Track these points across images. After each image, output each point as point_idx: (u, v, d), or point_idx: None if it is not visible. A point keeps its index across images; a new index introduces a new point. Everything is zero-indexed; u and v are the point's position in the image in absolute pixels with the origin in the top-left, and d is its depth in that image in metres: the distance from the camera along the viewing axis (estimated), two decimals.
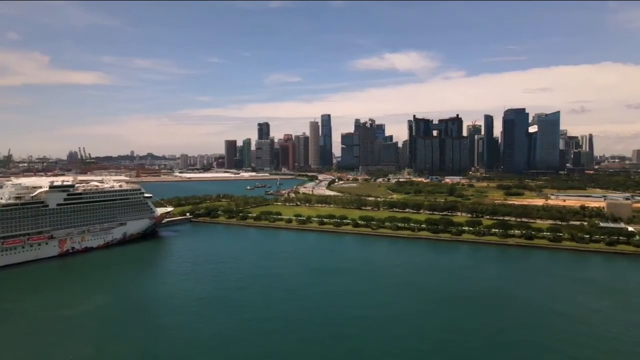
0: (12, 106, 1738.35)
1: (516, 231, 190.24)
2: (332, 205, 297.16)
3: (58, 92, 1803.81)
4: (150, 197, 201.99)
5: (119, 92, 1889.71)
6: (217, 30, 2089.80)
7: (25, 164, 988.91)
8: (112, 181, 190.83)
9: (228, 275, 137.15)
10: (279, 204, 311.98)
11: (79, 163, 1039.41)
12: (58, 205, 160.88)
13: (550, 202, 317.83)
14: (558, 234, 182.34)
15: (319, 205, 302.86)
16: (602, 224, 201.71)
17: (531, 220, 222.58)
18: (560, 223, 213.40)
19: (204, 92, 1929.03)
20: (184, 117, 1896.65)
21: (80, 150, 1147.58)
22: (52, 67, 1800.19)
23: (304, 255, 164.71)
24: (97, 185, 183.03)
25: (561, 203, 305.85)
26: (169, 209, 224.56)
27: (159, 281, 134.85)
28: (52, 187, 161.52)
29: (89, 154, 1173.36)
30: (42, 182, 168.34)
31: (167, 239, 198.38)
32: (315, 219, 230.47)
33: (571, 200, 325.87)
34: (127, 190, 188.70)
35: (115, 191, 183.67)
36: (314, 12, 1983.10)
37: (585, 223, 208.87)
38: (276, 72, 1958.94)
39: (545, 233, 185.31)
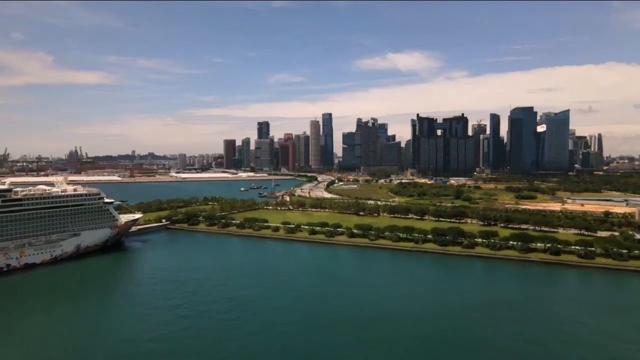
0: (16, 106, 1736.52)
1: (539, 244, 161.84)
2: (327, 210, 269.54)
3: (62, 92, 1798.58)
4: (112, 202, 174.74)
5: (123, 92, 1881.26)
6: (221, 30, 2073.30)
7: (21, 164, 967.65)
8: (64, 184, 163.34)
9: (181, 312, 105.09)
10: (270, 208, 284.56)
11: (76, 163, 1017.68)
12: None
13: (568, 206, 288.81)
14: (589, 248, 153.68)
15: (314, 209, 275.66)
16: (638, 236, 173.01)
17: (552, 230, 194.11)
18: (587, 234, 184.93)
19: (208, 92, 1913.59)
20: (188, 117, 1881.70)
21: (77, 150, 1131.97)
22: (56, 67, 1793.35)
23: (286, 279, 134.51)
24: (44, 190, 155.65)
25: (580, 208, 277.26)
26: (137, 215, 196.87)
27: (88, 321, 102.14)
28: None
29: (86, 154, 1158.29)
30: None
31: (131, 252, 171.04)
32: (305, 227, 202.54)
33: (590, 205, 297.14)
34: (81, 195, 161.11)
35: (67, 196, 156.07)
36: (317, 12, 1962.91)
37: (617, 233, 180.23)
38: (280, 72, 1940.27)
39: (573, 247, 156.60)
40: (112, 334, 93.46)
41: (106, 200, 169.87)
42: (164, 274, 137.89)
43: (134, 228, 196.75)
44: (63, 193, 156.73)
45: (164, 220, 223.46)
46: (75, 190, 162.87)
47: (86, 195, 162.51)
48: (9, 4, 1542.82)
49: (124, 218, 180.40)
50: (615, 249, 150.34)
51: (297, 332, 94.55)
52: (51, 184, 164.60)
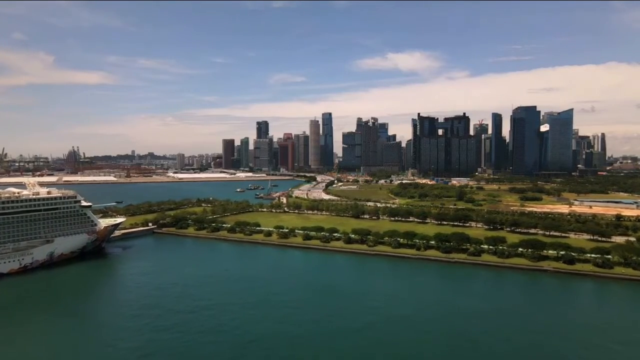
0: (17, 106, 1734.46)
1: (551, 252, 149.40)
2: (324, 213, 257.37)
3: (63, 92, 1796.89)
4: (90, 206, 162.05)
5: (124, 92, 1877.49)
6: (222, 30, 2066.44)
7: (18, 164, 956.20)
8: (37, 187, 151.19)
9: (156, 325, 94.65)
10: (264, 210, 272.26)
11: (74, 163, 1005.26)
12: None
13: (576, 208, 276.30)
14: (606, 256, 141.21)
15: (310, 212, 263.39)
16: None
17: (563, 235, 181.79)
18: (601, 239, 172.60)
19: (209, 92, 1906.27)
20: (188, 117, 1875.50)
21: (75, 149, 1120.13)
22: (56, 66, 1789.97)
23: (275, 289, 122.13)
24: (13, 193, 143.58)
25: (589, 210, 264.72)
26: (119, 219, 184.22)
27: (55, 337, 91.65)
28: None
29: (83, 153, 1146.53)
30: None
31: (110, 260, 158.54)
32: (300, 231, 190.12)
33: (599, 207, 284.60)
34: (55, 198, 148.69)
35: (38, 200, 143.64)
36: (317, 12, 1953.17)
37: (633, 239, 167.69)
38: (280, 72, 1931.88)
39: (589, 255, 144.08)
40: (80, 351, 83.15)
41: (83, 203, 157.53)
42: (142, 284, 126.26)
43: (117, 232, 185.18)
44: (34, 196, 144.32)
45: (150, 224, 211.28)
46: (48, 192, 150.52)
47: (60, 198, 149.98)
48: (10, 4, 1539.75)
49: (104, 222, 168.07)
50: (635, 258, 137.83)
51: (285, 346, 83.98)
52: (23, 186, 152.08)
